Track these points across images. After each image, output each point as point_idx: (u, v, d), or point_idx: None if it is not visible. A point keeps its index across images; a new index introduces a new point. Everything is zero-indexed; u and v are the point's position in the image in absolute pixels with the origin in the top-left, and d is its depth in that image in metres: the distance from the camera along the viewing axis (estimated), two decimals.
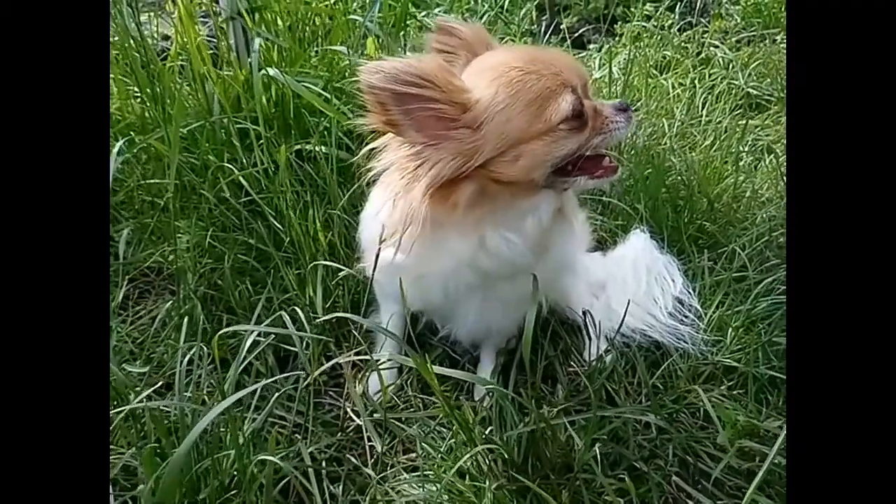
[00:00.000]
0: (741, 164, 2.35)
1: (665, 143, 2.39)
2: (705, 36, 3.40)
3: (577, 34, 3.67)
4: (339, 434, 1.43)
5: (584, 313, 1.47)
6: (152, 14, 2.82)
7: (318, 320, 1.36)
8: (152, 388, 1.23)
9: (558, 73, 1.13)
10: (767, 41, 3.53)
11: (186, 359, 1.12)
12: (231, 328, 1.26)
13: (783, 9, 3.82)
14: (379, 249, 1.25)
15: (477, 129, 1.09)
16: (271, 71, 1.76)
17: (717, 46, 3.32)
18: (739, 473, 1.32)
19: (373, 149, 1.17)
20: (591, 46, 3.60)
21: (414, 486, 1.23)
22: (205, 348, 1.15)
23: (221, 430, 1.18)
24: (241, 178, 1.72)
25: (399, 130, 1.10)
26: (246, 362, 1.15)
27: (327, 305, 1.59)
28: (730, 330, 1.59)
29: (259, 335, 1.39)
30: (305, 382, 1.24)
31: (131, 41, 1.95)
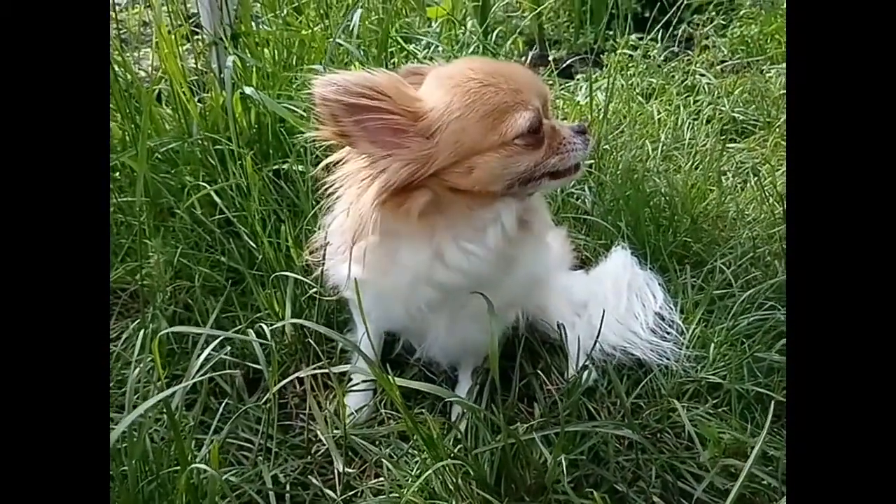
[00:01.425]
0: (726, 184, 2.33)
1: (649, 165, 2.38)
2: (690, 65, 3.42)
3: (565, 65, 3.70)
4: (308, 457, 1.37)
5: (559, 326, 1.43)
6: (149, 50, 2.88)
7: (275, 325, 1.31)
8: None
9: (518, 90, 1.12)
10: (753, 70, 3.55)
11: (137, 371, 1.07)
12: (176, 328, 1.21)
13: (769, 41, 3.88)
14: (323, 261, 1.22)
15: (430, 137, 1.09)
16: (248, 90, 1.76)
17: (702, 75, 3.34)
18: (725, 494, 1.26)
19: (331, 162, 1.16)
20: (579, 77, 3.63)
21: None
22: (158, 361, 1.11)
23: (172, 450, 1.13)
24: (215, 197, 1.70)
25: (351, 142, 1.09)
26: (204, 375, 1.10)
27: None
28: (712, 346, 1.54)
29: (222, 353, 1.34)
30: (265, 398, 1.19)
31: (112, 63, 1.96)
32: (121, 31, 2.22)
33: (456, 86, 1.10)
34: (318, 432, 1.39)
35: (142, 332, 1.13)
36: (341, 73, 1.05)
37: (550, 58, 3.82)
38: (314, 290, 1.50)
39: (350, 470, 1.33)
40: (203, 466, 0.96)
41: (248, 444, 1.36)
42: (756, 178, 2.41)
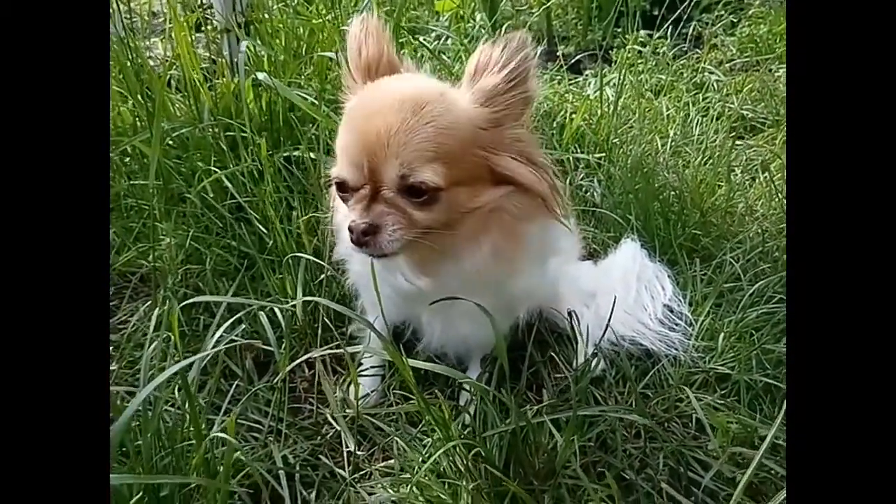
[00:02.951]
0: (735, 180, 2.33)
1: (658, 160, 2.38)
2: (699, 62, 3.42)
3: (573, 60, 3.71)
4: (318, 438, 1.38)
5: (569, 314, 1.43)
6: (160, 39, 2.90)
7: (291, 304, 1.32)
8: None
9: (362, 149, 0.99)
10: (762, 68, 3.55)
11: (153, 346, 1.08)
12: (196, 299, 1.21)
13: (778, 40, 3.87)
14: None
15: None
16: (261, 75, 1.77)
17: (711, 72, 3.34)
18: (732, 482, 1.26)
19: None
20: (588, 72, 3.63)
21: (388, 489, 1.17)
22: (172, 337, 1.11)
23: (189, 429, 1.14)
24: (226, 181, 1.71)
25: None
26: (223, 346, 1.11)
27: (309, 308, 1.55)
28: (721, 337, 1.55)
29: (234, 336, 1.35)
30: (278, 377, 1.19)
31: (125, 48, 1.97)
32: (133, 19, 2.23)
33: (356, 101, 1.12)
34: (328, 415, 1.40)
35: (156, 310, 1.13)
36: (373, 22, 1.10)
37: (559, 53, 3.83)
38: (326, 273, 1.50)
39: (359, 452, 1.34)
40: (222, 435, 0.97)
41: (258, 426, 1.37)
42: (765, 175, 2.41)
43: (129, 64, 2.00)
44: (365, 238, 0.99)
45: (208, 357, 1.09)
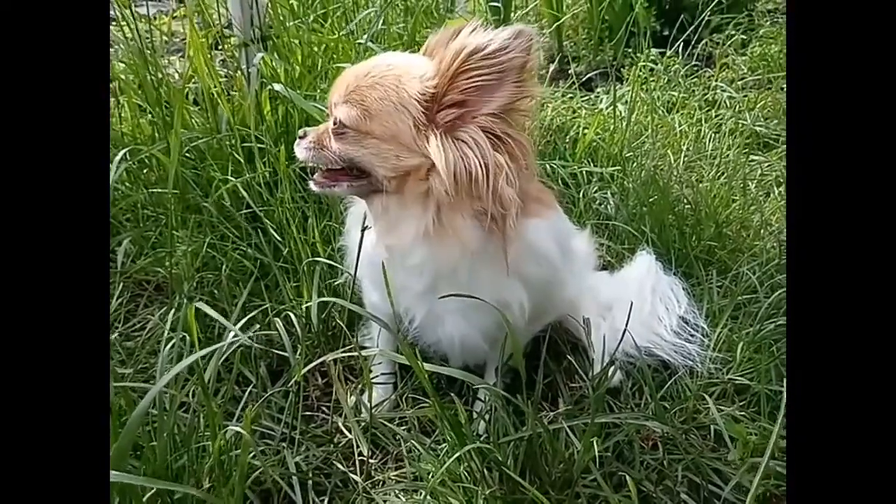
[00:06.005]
0: (749, 196, 2.32)
1: (672, 174, 2.38)
2: (711, 79, 3.44)
3: (584, 78, 3.73)
4: (330, 446, 1.36)
5: (584, 321, 1.42)
6: (177, 58, 2.96)
7: (306, 304, 1.32)
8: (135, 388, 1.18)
9: (334, 90, 1.19)
10: (774, 86, 3.55)
11: (171, 344, 1.08)
12: (213, 287, 1.21)
13: None
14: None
15: None
16: (277, 86, 1.79)
17: (723, 90, 3.35)
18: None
19: None
20: (599, 90, 3.65)
21: (402, 496, 1.15)
22: (188, 336, 1.11)
23: (205, 431, 1.13)
24: (241, 190, 1.72)
25: None
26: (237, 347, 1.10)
27: (323, 315, 1.55)
28: (740, 346, 1.53)
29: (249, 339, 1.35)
30: (292, 380, 1.18)
31: (145, 62, 2.00)
32: (152, 38, 2.28)
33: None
34: (340, 424, 1.39)
35: (171, 312, 1.13)
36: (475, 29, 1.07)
37: (570, 71, 3.85)
38: (341, 279, 1.51)
39: (371, 461, 1.32)
40: (237, 428, 0.96)
41: (271, 432, 1.36)
42: (780, 190, 2.40)
43: (148, 77, 2.04)
44: (298, 140, 1.26)
45: (227, 352, 1.08)
